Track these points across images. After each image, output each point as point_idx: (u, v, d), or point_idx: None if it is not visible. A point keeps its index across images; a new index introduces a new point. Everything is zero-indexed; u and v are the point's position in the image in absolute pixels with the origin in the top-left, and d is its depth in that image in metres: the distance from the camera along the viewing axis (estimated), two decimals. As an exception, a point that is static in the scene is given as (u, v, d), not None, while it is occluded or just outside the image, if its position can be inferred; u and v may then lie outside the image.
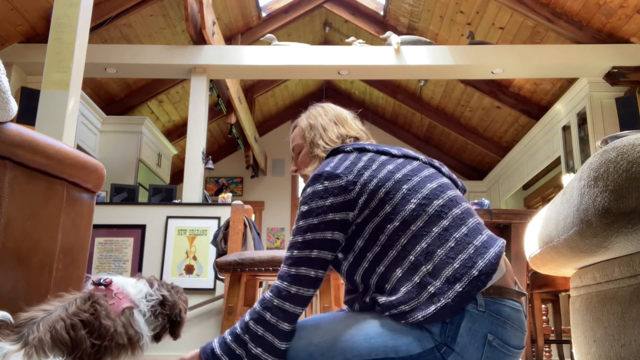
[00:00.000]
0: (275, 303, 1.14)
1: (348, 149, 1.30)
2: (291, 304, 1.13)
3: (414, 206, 1.14)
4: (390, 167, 1.22)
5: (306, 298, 1.15)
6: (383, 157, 1.25)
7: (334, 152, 1.32)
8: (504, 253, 1.15)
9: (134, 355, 1.15)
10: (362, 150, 1.28)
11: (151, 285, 1.28)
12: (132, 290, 1.23)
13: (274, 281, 1.20)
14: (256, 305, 1.17)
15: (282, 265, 1.19)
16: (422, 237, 1.12)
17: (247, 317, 1.16)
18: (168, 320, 1.27)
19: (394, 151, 1.28)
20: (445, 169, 1.32)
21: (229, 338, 1.15)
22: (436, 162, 1.31)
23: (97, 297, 1.16)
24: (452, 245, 1.10)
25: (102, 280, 1.22)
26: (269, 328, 1.12)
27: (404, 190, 1.17)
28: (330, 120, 1.41)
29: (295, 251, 1.17)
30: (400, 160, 1.25)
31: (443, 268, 1.07)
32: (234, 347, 1.13)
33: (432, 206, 1.15)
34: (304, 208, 1.20)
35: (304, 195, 1.22)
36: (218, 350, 1.14)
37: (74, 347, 1.04)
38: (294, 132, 1.48)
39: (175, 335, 1.31)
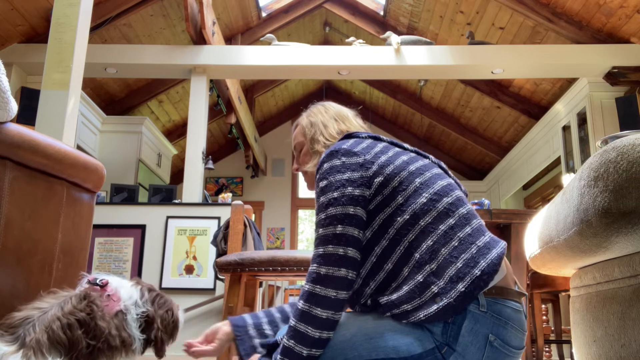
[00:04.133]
0: (306, 288, 1.10)
1: (363, 135, 1.29)
2: (322, 286, 1.08)
3: (425, 200, 1.14)
4: (404, 157, 1.22)
5: (339, 279, 1.08)
6: (397, 148, 1.26)
7: (347, 136, 1.31)
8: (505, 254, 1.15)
9: (127, 357, 1.14)
10: (377, 139, 1.28)
11: (142, 296, 1.24)
12: (126, 293, 1.21)
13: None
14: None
15: (313, 252, 1.15)
16: (429, 234, 1.11)
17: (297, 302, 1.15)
18: (148, 337, 1.22)
19: (407, 146, 1.29)
20: (450, 172, 1.33)
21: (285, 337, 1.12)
22: (443, 164, 1.32)
23: (93, 297, 1.14)
24: (456, 244, 1.10)
25: (98, 281, 1.21)
26: (301, 317, 1.09)
27: (417, 183, 1.17)
28: (331, 117, 1.41)
29: (321, 229, 1.14)
30: (413, 154, 1.26)
31: (447, 267, 1.07)
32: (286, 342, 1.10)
33: (442, 203, 1.15)
34: (323, 183, 1.17)
35: (321, 171, 1.20)
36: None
37: (70, 347, 1.03)
38: (295, 130, 1.47)
39: (157, 353, 1.26)
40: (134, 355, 1.16)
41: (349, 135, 1.31)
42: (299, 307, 1.09)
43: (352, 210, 1.13)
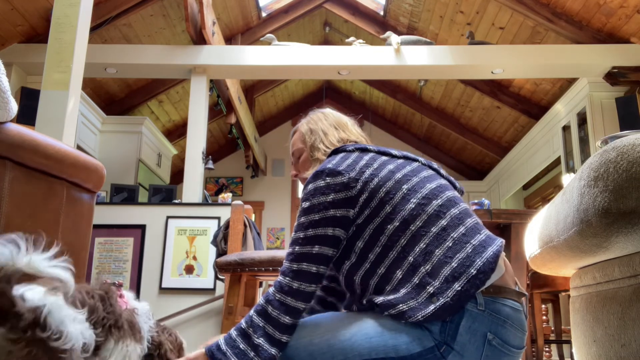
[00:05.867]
0: (277, 297, 1.16)
1: (350, 148, 1.31)
2: (293, 298, 1.15)
3: (413, 206, 1.15)
4: (390, 166, 1.23)
5: (308, 293, 1.17)
6: (384, 157, 1.27)
7: (335, 152, 1.33)
8: (503, 253, 1.15)
9: (137, 343, 1.15)
10: (364, 150, 1.29)
11: (152, 315, 1.30)
12: (138, 304, 1.25)
13: (275, 280, 1.21)
14: (261, 299, 1.19)
15: (284, 261, 1.20)
16: (421, 237, 1.12)
17: (251, 311, 1.18)
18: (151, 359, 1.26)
19: (395, 152, 1.30)
20: (443, 171, 1.34)
21: (234, 333, 1.17)
22: (435, 164, 1.33)
23: (109, 284, 1.18)
24: (450, 245, 1.10)
25: (115, 282, 1.24)
26: (270, 320, 1.14)
27: (404, 190, 1.17)
28: (331, 125, 1.42)
29: (297, 247, 1.18)
30: (401, 160, 1.27)
31: (441, 268, 1.07)
32: (237, 339, 1.15)
33: (431, 206, 1.15)
34: (306, 204, 1.21)
35: (305, 191, 1.23)
36: (223, 346, 1.15)
37: (90, 312, 1.06)
38: (294, 136, 1.48)
39: None
40: (142, 342, 1.18)
41: (336, 151, 1.32)
42: (268, 311, 1.15)
43: (330, 231, 1.17)
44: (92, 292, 1.10)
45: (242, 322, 1.18)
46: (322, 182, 1.20)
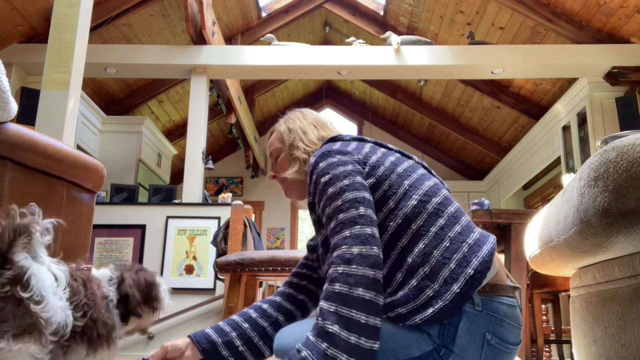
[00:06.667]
0: (340, 270, 1.00)
1: (347, 138, 1.29)
2: (358, 265, 1.00)
3: (415, 202, 1.14)
4: (392, 158, 1.22)
5: (373, 257, 1.01)
6: (383, 149, 1.26)
7: (332, 139, 1.30)
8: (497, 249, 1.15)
9: (109, 348, 1.08)
10: (362, 140, 1.28)
11: (114, 269, 1.19)
12: (101, 277, 1.15)
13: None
14: (325, 284, 1.03)
15: (332, 239, 1.07)
16: (421, 237, 1.11)
17: (320, 301, 1.02)
18: (120, 300, 1.14)
19: (390, 146, 1.30)
20: (432, 171, 1.33)
21: (310, 334, 0.99)
22: (425, 164, 1.32)
23: (88, 271, 1.12)
24: (447, 245, 1.09)
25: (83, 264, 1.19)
26: (341, 300, 0.98)
27: (406, 185, 1.16)
28: (310, 124, 1.39)
29: (341, 215, 1.07)
30: (398, 155, 1.26)
31: (440, 269, 1.06)
32: (313, 339, 0.97)
33: (431, 203, 1.15)
34: (326, 177, 1.13)
35: (317, 170, 1.16)
36: (304, 352, 0.97)
37: (72, 293, 1.01)
38: (272, 137, 1.44)
39: (136, 313, 1.16)
40: (114, 346, 1.10)
41: (333, 139, 1.29)
42: (336, 290, 0.98)
43: (367, 195, 1.12)
44: (76, 275, 1.04)
45: (316, 315, 1.01)
46: (334, 158, 1.16)
